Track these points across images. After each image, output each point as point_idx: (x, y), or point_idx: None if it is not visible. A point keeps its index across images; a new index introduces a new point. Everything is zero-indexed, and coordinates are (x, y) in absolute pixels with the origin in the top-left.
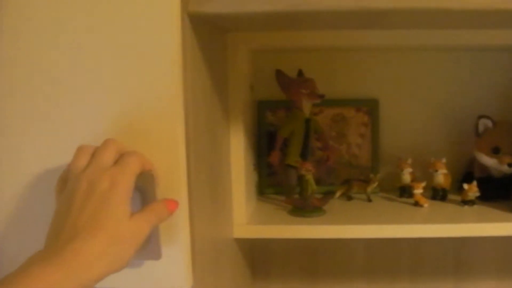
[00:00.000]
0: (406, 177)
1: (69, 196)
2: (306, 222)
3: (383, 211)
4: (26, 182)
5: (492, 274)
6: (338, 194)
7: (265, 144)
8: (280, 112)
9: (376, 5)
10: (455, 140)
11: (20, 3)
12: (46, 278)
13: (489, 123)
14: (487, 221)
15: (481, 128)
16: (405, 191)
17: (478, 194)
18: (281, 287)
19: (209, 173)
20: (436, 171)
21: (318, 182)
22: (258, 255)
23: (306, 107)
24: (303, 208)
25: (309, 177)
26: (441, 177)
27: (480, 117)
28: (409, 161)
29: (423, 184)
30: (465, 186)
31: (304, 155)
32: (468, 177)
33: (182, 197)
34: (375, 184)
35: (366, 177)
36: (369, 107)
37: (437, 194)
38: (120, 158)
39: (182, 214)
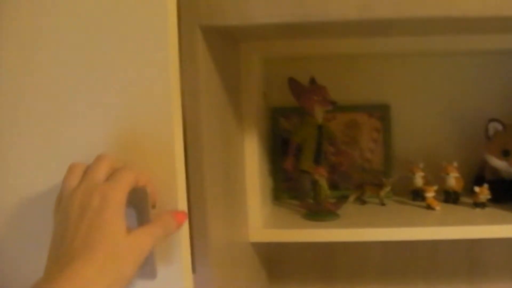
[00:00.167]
0: (418, 180)
1: (63, 217)
2: (321, 226)
3: (396, 214)
4: (17, 200)
5: (507, 275)
6: (351, 198)
7: (279, 150)
8: (293, 118)
9: (379, 15)
10: (466, 144)
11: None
12: None
13: (499, 126)
14: (499, 223)
15: (491, 131)
16: (417, 195)
17: (489, 196)
18: None
19: (224, 179)
20: (448, 174)
21: (331, 186)
22: (274, 259)
23: (319, 113)
24: (317, 212)
25: (323, 182)
26: (453, 180)
27: (490, 120)
28: (421, 165)
29: (435, 187)
30: (476, 189)
31: (317, 161)
32: (479, 180)
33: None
34: (388, 188)
35: (379, 181)
36: (381, 113)
37: (449, 197)
38: (112, 174)
39: (181, 231)
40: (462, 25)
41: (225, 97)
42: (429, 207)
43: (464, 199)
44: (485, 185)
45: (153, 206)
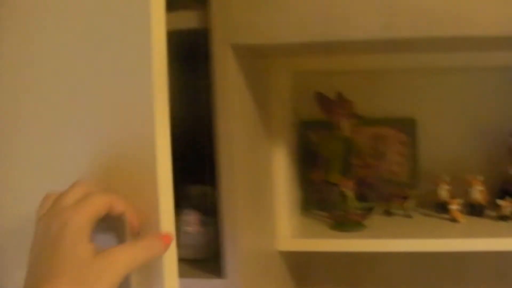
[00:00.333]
0: (443, 193)
1: (32, 246)
2: (347, 236)
3: (421, 226)
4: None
5: None
6: (378, 210)
7: (307, 162)
8: (321, 131)
9: (401, 34)
10: (490, 157)
11: None
12: None
13: None
14: None
15: None
16: (442, 207)
17: None
18: None
19: (254, 190)
20: (472, 187)
21: (358, 198)
22: (301, 268)
23: (346, 127)
24: (344, 223)
25: (349, 193)
26: (477, 193)
27: None
28: (446, 178)
29: (459, 200)
30: (501, 202)
31: (344, 173)
32: (503, 193)
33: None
34: (414, 201)
35: (405, 194)
36: (407, 126)
37: (474, 210)
38: (81, 199)
39: (166, 262)
40: (484, 42)
41: (255, 111)
42: (453, 220)
43: (488, 212)
44: (509, 199)
45: (136, 233)
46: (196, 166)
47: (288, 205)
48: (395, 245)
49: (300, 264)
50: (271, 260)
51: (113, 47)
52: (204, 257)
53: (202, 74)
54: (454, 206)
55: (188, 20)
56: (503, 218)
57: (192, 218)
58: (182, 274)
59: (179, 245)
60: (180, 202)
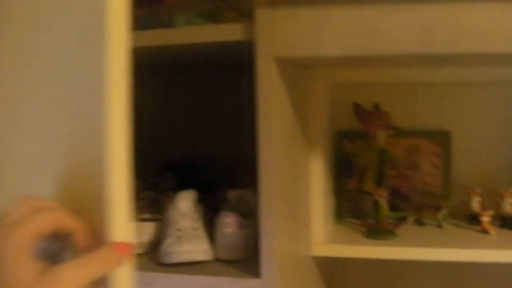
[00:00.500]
0: (475, 205)
1: None
2: (380, 244)
3: (452, 237)
4: None
5: None
6: (410, 219)
7: (342, 171)
8: (357, 141)
9: (439, 50)
10: None
11: None
12: None
13: None
14: None
15: None
16: (473, 219)
17: None
18: None
19: (290, 195)
20: (504, 200)
21: (391, 208)
22: (333, 274)
23: (381, 137)
24: (376, 231)
25: (383, 202)
26: (509, 206)
27: None
28: (478, 190)
29: (491, 212)
30: None
31: (378, 182)
32: None
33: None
34: (446, 211)
35: (437, 204)
36: (442, 138)
37: (505, 223)
38: (26, 216)
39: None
40: None
41: (294, 120)
42: (484, 231)
43: None
44: None
45: (87, 249)
46: (235, 171)
47: (322, 212)
48: (426, 253)
49: (332, 270)
50: (305, 265)
51: (64, 60)
52: (241, 257)
53: (244, 84)
54: (486, 218)
55: (233, 33)
56: None
57: (231, 220)
58: (220, 274)
59: (218, 246)
60: (220, 205)
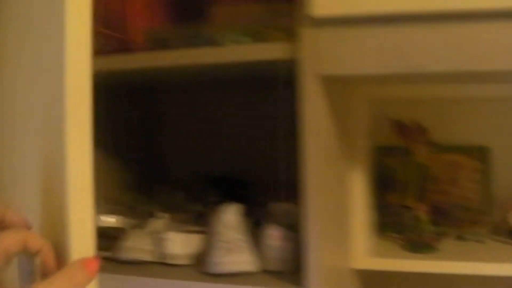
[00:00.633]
0: None
1: None
2: (421, 257)
3: (492, 251)
4: None
5: None
6: (450, 234)
7: (383, 186)
8: (397, 157)
9: (478, 67)
10: None
11: None
12: None
13: None
14: None
15: None
16: None
17: None
18: None
19: (332, 209)
20: None
21: (432, 222)
22: (375, 287)
23: (422, 153)
24: (417, 245)
25: (424, 217)
26: None
27: None
28: None
29: None
30: None
31: (419, 197)
32: None
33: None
34: (486, 227)
35: (478, 220)
36: (481, 154)
37: None
38: None
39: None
40: None
41: (335, 135)
42: None
43: None
44: None
45: (54, 269)
46: (276, 186)
47: (363, 226)
48: (467, 267)
49: (373, 283)
50: (347, 277)
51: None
52: (285, 269)
53: (287, 100)
54: None
55: (278, 51)
56: None
57: (275, 232)
58: (265, 284)
59: (262, 258)
60: (263, 218)
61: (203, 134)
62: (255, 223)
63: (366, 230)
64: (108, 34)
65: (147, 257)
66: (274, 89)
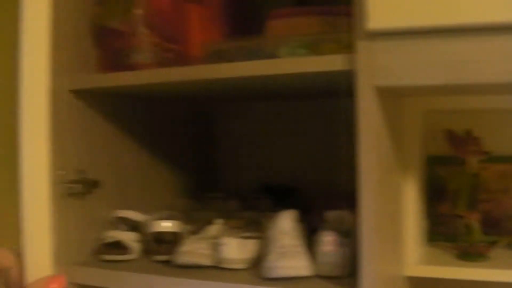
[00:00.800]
0: None
1: None
2: (472, 265)
3: None
4: None
5: None
6: (502, 243)
7: (435, 195)
8: (449, 166)
9: None
10: None
11: None
12: None
13: None
14: None
15: None
16: None
17: None
18: None
19: (385, 217)
20: None
21: (483, 231)
22: None
23: (473, 162)
24: (468, 254)
25: (475, 226)
26: None
27: None
28: None
29: None
30: None
31: (471, 206)
32: None
33: None
34: None
35: None
36: None
37: None
38: None
39: None
40: None
41: (390, 145)
42: None
43: None
44: None
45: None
46: (328, 193)
47: (415, 234)
48: None
49: None
50: (399, 284)
51: None
52: (339, 274)
53: (342, 110)
54: None
55: (335, 63)
56: None
57: (330, 239)
58: None
59: (317, 263)
60: (317, 225)
61: (259, 144)
62: (310, 230)
63: (418, 238)
64: (168, 47)
65: (203, 261)
66: (330, 100)
